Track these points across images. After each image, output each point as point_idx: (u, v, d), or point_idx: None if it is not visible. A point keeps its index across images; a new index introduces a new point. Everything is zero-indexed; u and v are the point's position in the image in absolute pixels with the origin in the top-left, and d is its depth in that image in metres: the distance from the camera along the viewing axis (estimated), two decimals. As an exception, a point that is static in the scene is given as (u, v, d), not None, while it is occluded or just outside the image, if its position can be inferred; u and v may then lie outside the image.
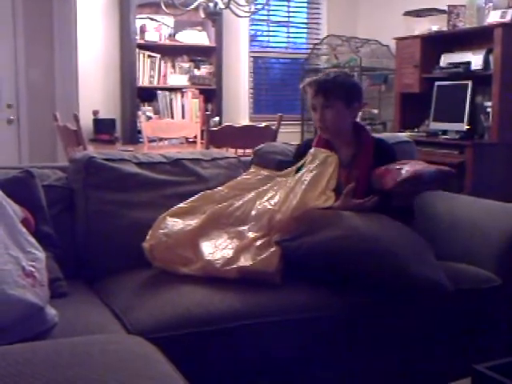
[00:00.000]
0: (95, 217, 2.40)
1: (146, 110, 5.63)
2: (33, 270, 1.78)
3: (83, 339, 1.65)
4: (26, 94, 6.43)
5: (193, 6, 4.44)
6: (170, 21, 5.75)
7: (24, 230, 1.87)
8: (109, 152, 2.65)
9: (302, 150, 2.65)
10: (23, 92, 6.42)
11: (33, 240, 1.87)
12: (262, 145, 2.84)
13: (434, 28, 5.51)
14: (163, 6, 4.49)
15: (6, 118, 6.41)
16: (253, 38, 6.50)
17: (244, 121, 6.06)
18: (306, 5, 6.77)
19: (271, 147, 2.83)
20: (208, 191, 2.45)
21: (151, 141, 5.00)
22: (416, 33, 5.68)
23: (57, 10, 6.26)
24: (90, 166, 2.45)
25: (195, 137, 5.01)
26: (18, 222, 1.88)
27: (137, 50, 5.57)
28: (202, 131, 5.03)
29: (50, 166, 2.58)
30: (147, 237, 2.22)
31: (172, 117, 5.72)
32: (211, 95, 5.88)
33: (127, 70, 5.61)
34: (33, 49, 6.40)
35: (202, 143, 4.84)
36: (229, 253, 2.17)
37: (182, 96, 5.78)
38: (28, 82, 6.42)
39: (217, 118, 5.62)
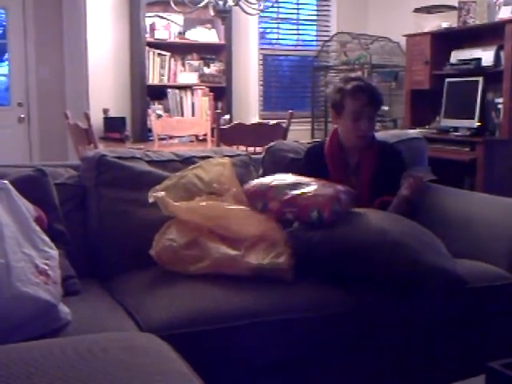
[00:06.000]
0: (107, 215, 2.40)
1: (156, 108, 5.63)
2: (46, 267, 1.79)
3: (96, 337, 1.65)
4: (36, 93, 6.46)
5: (202, 4, 4.44)
6: (179, 19, 5.75)
7: (37, 228, 1.89)
8: (120, 150, 2.66)
9: (313, 154, 2.67)
10: (34, 91, 6.45)
11: (46, 238, 1.88)
12: (274, 142, 2.84)
13: (445, 24, 5.48)
14: (173, 4, 4.50)
15: (16, 117, 6.44)
16: (262, 36, 6.49)
17: (254, 118, 6.05)
18: (315, 2, 6.76)
19: (283, 145, 2.83)
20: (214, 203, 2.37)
21: (161, 139, 5.00)
22: (426, 29, 5.65)
23: (66, 8, 6.28)
24: (101, 164, 2.46)
25: (205, 135, 5.01)
26: (31, 220, 1.89)
27: (146, 48, 5.58)
28: (213, 129, 5.03)
29: (62, 165, 2.60)
30: (153, 243, 2.22)
31: (182, 115, 5.73)
32: (221, 93, 5.88)
33: (137, 68, 5.62)
34: (43, 47, 6.43)
35: (212, 141, 4.84)
36: (239, 250, 2.16)
37: (192, 94, 5.78)
38: (38, 80, 6.45)
39: (227, 116, 5.62)
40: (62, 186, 2.38)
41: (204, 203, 2.28)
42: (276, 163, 2.70)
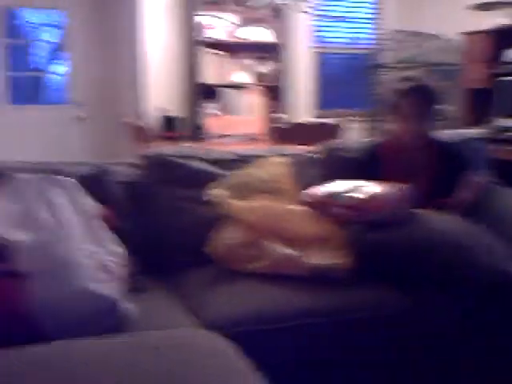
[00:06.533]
0: (166, 212, 2.44)
1: (211, 107, 5.66)
2: (110, 264, 1.82)
3: (159, 334, 1.68)
4: (92, 92, 6.58)
5: (259, 3, 4.44)
6: (234, 18, 5.77)
7: (101, 225, 1.92)
8: (180, 149, 2.69)
9: (371, 154, 2.66)
10: (91, 90, 6.57)
11: (110, 235, 1.92)
12: (332, 142, 2.84)
13: (503, 22, 5.36)
14: (229, 3, 4.52)
15: (76, 116, 6.57)
16: (317, 34, 6.46)
17: (308, 117, 6.03)
18: (371, 0, 6.70)
19: (341, 144, 2.82)
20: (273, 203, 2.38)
21: (215, 137, 5.03)
22: (483, 27, 5.54)
23: (124, 9, 6.38)
24: (161, 162, 2.50)
25: (259, 134, 5.01)
26: (95, 218, 1.93)
27: (201, 47, 5.61)
28: (267, 128, 5.04)
29: (122, 163, 2.64)
30: (211, 241, 2.24)
31: (236, 114, 5.74)
32: (275, 92, 5.87)
33: (191, 67, 5.66)
34: (100, 47, 6.54)
35: (266, 140, 4.85)
36: (298, 250, 2.16)
37: (246, 93, 5.79)
38: (96, 80, 6.57)
39: (283, 115, 5.61)
40: (122, 184, 2.42)
41: (263, 203, 2.29)
42: (334, 163, 2.69)
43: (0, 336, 1.63)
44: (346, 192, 2.27)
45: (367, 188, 2.27)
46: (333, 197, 2.29)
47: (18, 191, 1.86)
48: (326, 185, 2.40)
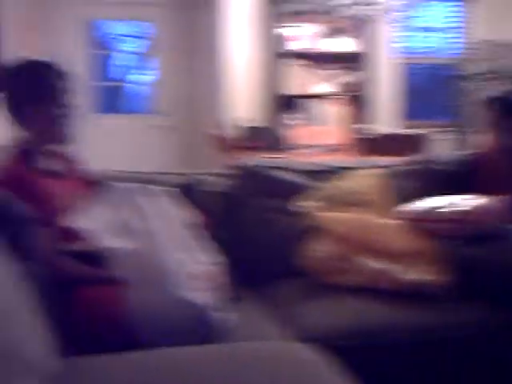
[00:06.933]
0: (257, 223, 2.44)
1: (294, 117, 5.66)
2: (202, 273, 1.83)
3: (254, 345, 1.67)
4: (177, 101, 6.70)
5: (344, 14, 4.42)
6: (317, 28, 5.75)
7: (194, 234, 1.93)
8: (269, 160, 2.69)
9: (467, 166, 2.60)
10: (175, 99, 6.69)
11: (203, 244, 1.92)
12: (425, 154, 2.78)
13: None
14: (312, 14, 4.51)
15: (158, 124, 6.71)
16: (401, 44, 6.37)
17: (391, 128, 5.94)
18: (456, 9, 6.55)
19: (434, 157, 2.74)
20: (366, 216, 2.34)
21: (298, 148, 5.01)
22: None
23: (204, 19, 6.48)
24: (251, 173, 2.50)
25: (343, 144, 4.97)
26: (189, 227, 1.94)
27: (284, 58, 5.62)
28: (350, 138, 5.00)
29: (212, 173, 2.66)
30: (302, 253, 2.22)
31: (319, 124, 5.72)
32: (358, 102, 5.81)
33: (274, 78, 5.67)
34: (183, 57, 6.66)
35: (349, 151, 4.80)
36: (392, 265, 2.11)
37: (329, 103, 5.76)
38: (179, 89, 6.69)
39: (366, 126, 5.54)
40: (213, 194, 2.44)
41: (354, 215, 2.25)
42: (427, 175, 2.62)
43: (98, 341, 1.67)
44: (446, 206, 2.21)
45: (467, 201, 2.20)
46: (434, 211, 2.23)
47: (115, 200, 1.89)
48: (423, 199, 2.34)
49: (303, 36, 5.73)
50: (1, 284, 1.24)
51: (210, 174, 2.60)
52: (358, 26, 5.52)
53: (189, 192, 2.32)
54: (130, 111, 7.03)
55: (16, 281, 1.36)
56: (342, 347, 1.83)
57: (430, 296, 2.04)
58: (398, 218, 2.28)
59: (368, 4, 4.31)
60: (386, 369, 1.91)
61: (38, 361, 1.18)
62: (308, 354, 1.59)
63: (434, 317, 2.00)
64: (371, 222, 2.23)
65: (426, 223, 2.22)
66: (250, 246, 2.42)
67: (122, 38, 7.15)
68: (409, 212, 2.31)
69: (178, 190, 2.22)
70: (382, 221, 2.24)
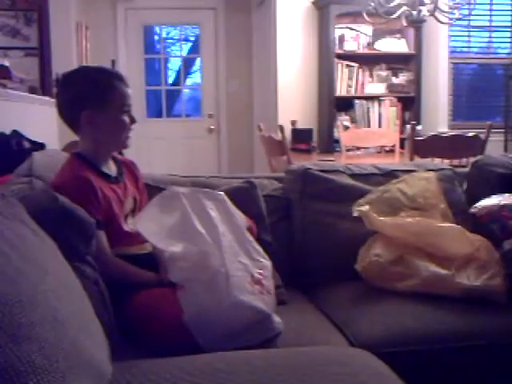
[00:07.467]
0: (311, 227, 2.43)
1: (343, 119, 5.64)
2: (260, 277, 1.83)
3: (310, 350, 1.67)
4: (225, 105, 6.74)
5: (396, 15, 4.38)
6: (368, 29, 5.72)
7: (251, 238, 1.94)
8: (323, 163, 2.69)
9: None
10: (223, 102, 6.74)
11: (259, 248, 1.93)
12: (480, 156, 2.72)
13: None
14: (365, 15, 4.49)
15: (207, 128, 6.77)
16: (452, 44, 6.28)
17: (443, 129, 5.86)
18: (510, 7, 6.41)
19: (490, 159, 2.69)
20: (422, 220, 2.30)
21: (348, 150, 4.99)
22: None
23: (256, 23, 6.50)
24: (306, 176, 2.50)
25: (393, 146, 4.92)
26: (245, 230, 1.95)
27: (335, 59, 5.60)
28: (401, 140, 4.94)
29: (266, 176, 2.67)
30: (358, 257, 2.21)
31: (369, 126, 5.69)
32: (409, 103, 5.76)
33: (325, 79, 5.66)
34: (233, 61, 6.70)
35: (400, 152, 4.75)
36: (450, 269, 2.08)
37: (380, 105, 5.72)
38: (228, 93, 6.74)
39: (419, 127, 5.48)
40: (267, 198, 2.45)
41: (411, 219, 2.22)
42: (483, 178, 2.58)
43: (158, 344, 1.69)
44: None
45: None
46: (504, 209, 2.19)
47: (174, 203, 1.91)
48: (491, 198, 2.31)
49: (357, 37, 5.70)
50: (71, 288, 1.27)
51: (265, 178, 2.61)
52: (415, 26, 5.45)
53: (245, 195, 2.33)
54: (183, 115, 7.09)
55: (82, 284, 1.40)
56: (400, 353, 1.82)
57: (492, 302, 2.01)
58: (473, 216, 2.24)
59: (420, 4, 4.24)
60: (446, 375, 1.88)
61: (100, 365, 1.20)
62: (371, 361, 1.58)
63: (497, 323, 1.96)
64: (429, 226, 2.20)
65: (499, 219, 2.18)
66: (302, 249, 2.42)
67: (174, 42, 7.24)
68: (479, 208, 2.27)
69: (234, 193, 2.24)
70: (441, 225, 2.21)
